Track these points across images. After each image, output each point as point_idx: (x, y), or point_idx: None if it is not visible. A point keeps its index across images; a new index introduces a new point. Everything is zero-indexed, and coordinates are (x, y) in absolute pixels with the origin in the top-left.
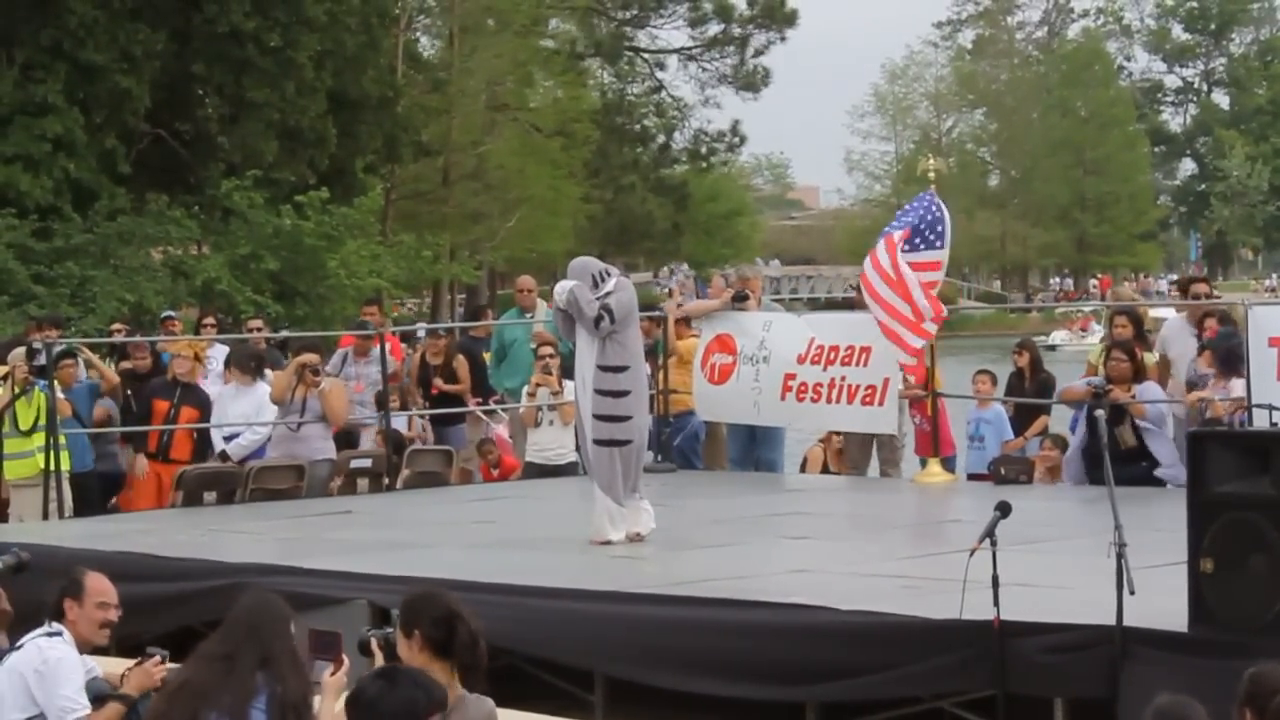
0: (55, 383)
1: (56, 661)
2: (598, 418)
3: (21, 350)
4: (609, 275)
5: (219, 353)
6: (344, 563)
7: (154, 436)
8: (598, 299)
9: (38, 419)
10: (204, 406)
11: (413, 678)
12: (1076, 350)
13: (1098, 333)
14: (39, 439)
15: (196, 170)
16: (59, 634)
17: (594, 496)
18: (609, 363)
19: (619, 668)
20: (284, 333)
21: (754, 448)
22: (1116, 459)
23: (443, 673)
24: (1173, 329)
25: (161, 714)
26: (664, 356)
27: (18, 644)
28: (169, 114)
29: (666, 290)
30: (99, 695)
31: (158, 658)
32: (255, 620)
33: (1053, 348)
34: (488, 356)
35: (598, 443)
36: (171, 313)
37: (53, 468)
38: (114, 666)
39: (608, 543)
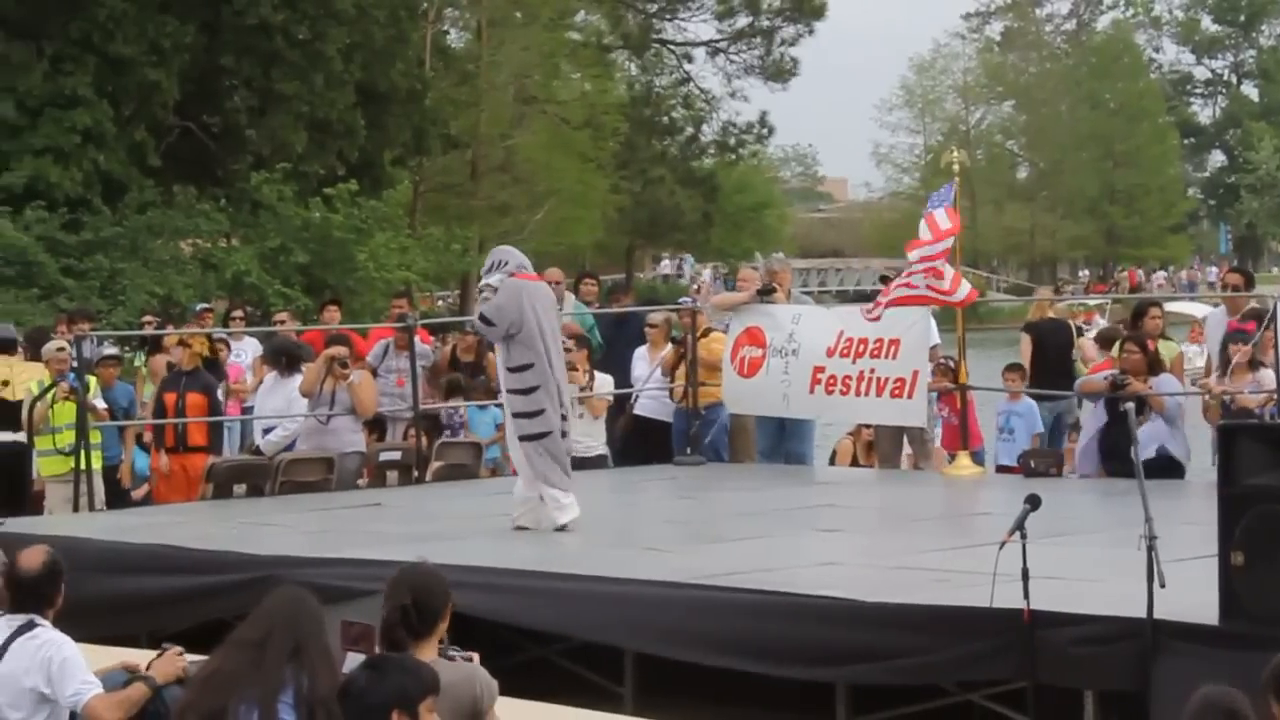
0: (90, 378)
1: (72, 661)
2: (515, 416)
3: (52, 345)
4: (500, 266)
5: (249, 346)
6: (374, 555)
7: (169, 431)
8: (483, 285)
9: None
10: (209, 390)
11: (400, 665)
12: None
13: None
14: (68, 437)
15: (225, 163)
16: (43, 625)
17: (538, 491)
18: (513, 363)
19: (648, 644)
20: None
21: (783, 440)
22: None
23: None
24: (1213, 322)
25: (191, 703)
26: (692, 349)
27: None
28: (198, 106)
29: (695, 286)
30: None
31: (177, 649)
32: (290, 610)
33: None
34: None
35: (521, 439)
36: (205, 305)
37: (83, 463)
38: (141, 658)
39: (564, 528)
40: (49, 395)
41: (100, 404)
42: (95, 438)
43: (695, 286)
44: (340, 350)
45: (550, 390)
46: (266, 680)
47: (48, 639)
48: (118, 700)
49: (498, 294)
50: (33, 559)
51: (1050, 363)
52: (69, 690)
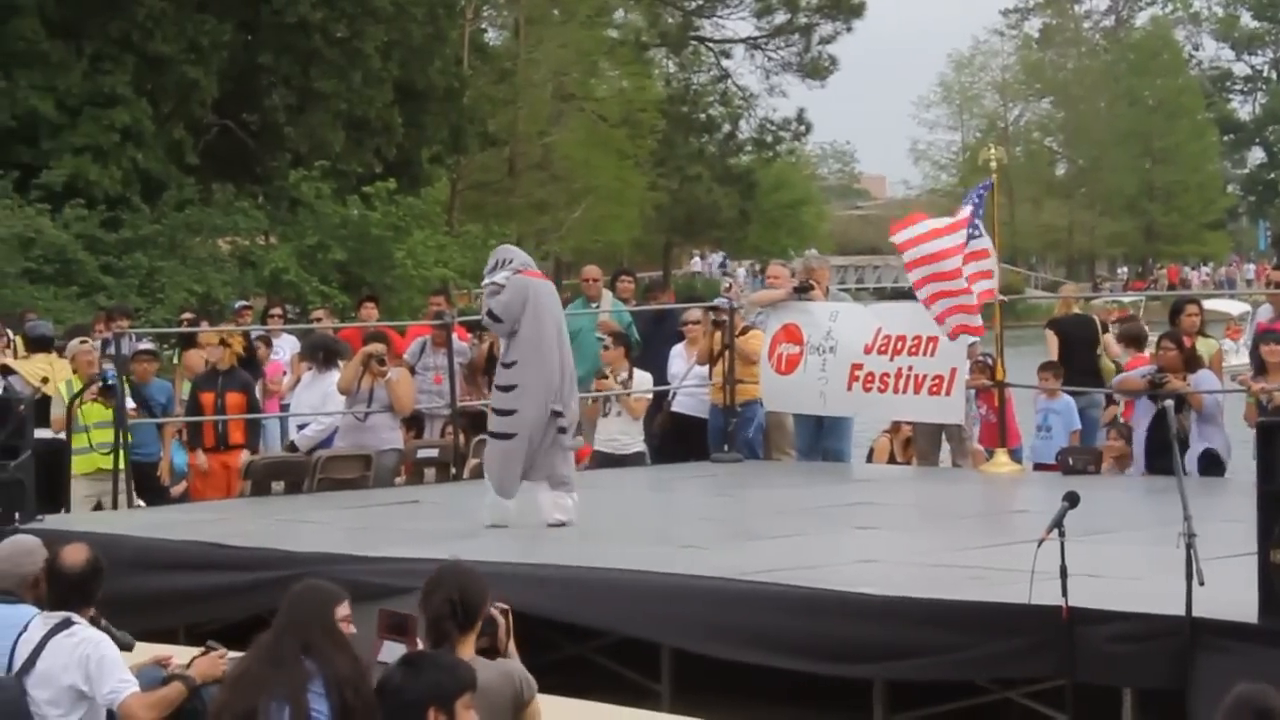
0: (127, 375)
1: (110, 659)
2: (492, 411)
3: (76, 342)
4: (505, 265)
5: (287, 343)
6: (411, 553)
7: (208, 432)
8: (488, 283)
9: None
10: (248, 388)
11: (436, 661)
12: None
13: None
14: (98, 435)
15: (264, 161)
16: (80, 623)
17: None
18: (504, 359)
19: (685, 640)
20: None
21: (821, 438)
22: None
23: (466, 645)
24: (1262, 319)
25: (224, 704)
26: (730, 346)
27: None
28: (236, 105)
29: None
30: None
31: (221, 650)
32: (293, 610)
33: None
34: None
35: (490, 434)
36: (244, 302)
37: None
38: (177, 653)
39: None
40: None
41: (128, 403)
42: (125, 437)
43: (726, 285)
44: (378, 348)
45: (533, 392)
46: (291, 678)
47: (85, 637)
48: (154, 700)
49: (504, 291)
50: (76, 556)
51: (1075, 359)
52: (106, 688)
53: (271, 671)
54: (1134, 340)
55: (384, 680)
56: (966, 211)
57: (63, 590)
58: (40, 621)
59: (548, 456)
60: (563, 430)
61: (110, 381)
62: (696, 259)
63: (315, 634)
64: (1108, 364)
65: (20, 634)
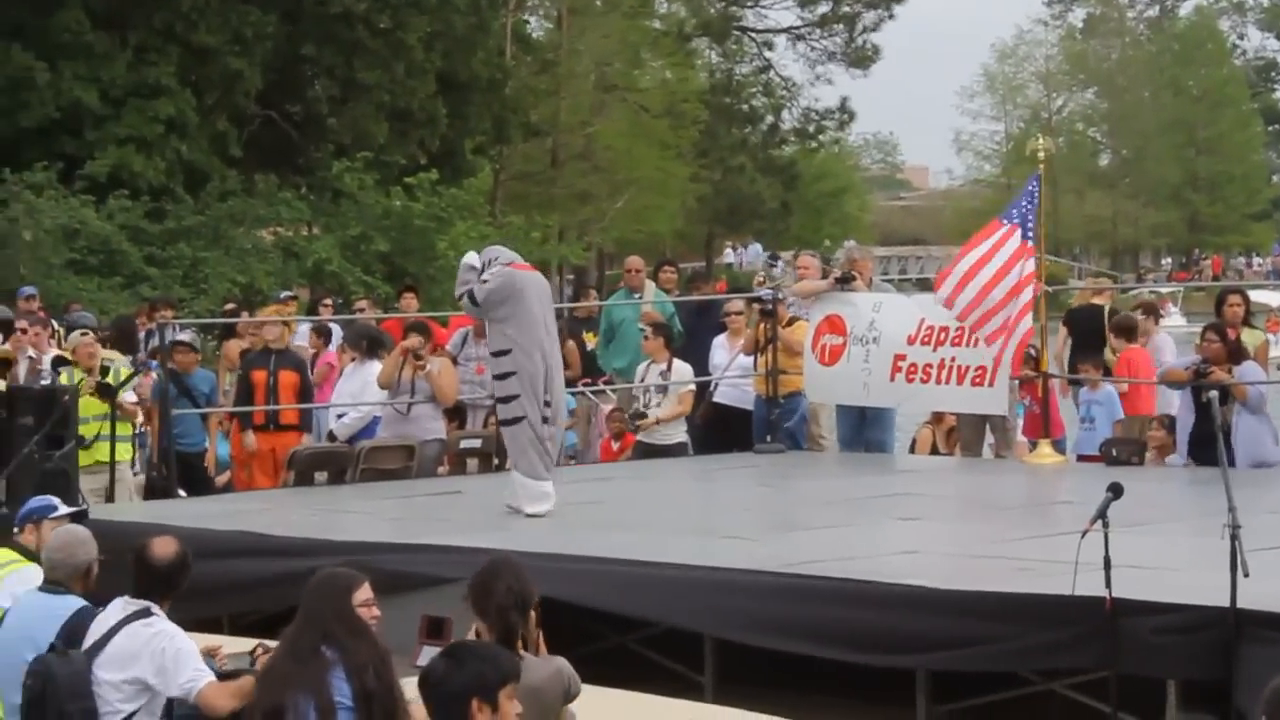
0: (122, 370)
1: (186, 651)
2: (496, 400)
3: (77, 334)
4: (495, 261)
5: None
6: (455, 542)
7: (260, 409)
8: (471, 269)
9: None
10: (300, 367)
11: (479, 653)
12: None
13: (1174, 314)
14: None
15: (307, 151)
16: (159, 614)
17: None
18: (494, 348)
19: (729, 630)
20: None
21: (864, 428)
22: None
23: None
24: None
25: (255, 700)
26: (773, 338)
27: (139, 612)
28: (279, 95)
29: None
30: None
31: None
32: (310, 601)
33: None
34: (590, 337)
35: (500, 423)
36: (288, 292)
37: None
38: (229, 645)
39: (534, 515)
40: (80, 384)
41: (131, 397)
42: (124, 429)
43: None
44: (415, 341)
45: (527, 377)
46: (313, 670)
47: (162, 629)
48: (231, 690)
49: (493, 279)
50: (166, 548)
51: (1083, 349)
52: (183, 678)
53: (294, 665)
54: (1124, 331)
55: (426, 672)
56: (1005, 228)
57: (149, 580)
58: (121, 605)
59: (549, 440)
60: (546, 419)
61: (155, 369)
62: (729, 250)
63: (332, 623)
64: (1109, 355)
65: (71, 617)
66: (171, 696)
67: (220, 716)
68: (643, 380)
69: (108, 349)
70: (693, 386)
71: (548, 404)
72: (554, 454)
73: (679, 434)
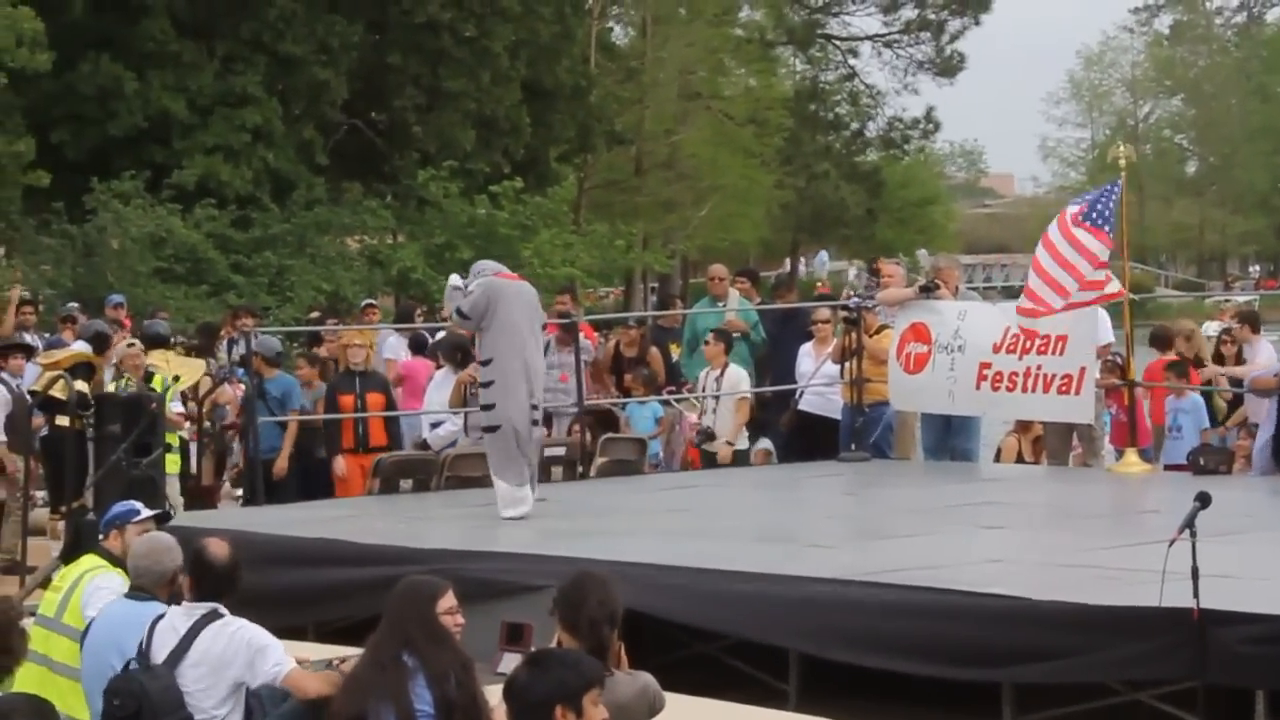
0: (161, 377)
1: (271, 644)
2: (481, 407)
3: (123, 344)
4: (479, 274)
5: (401, 341)
6: (540, 550)
7: (349, 432)
8: (459, 289)
9: None
10: (385, 389)
11: (561, 659)
12: None
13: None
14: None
15: (392, 160)
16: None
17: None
18: (480, 357)
19: (813, 645)
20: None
21: (949, 436)
22: None
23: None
24: None
25: (337, 708)
26: (857, 347)
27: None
28: (365, 104)
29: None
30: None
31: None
32: (394, 609)
33: (1207, 338)
34: (675, 347)
35: (482, 429)
36: (371, 300)
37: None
38: (307, 652)
39: (510, 519)
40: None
41: (176, 407)
42: (170, 439)
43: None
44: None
45: (509, 385)
46: (391, 679)
47: (241, 625)
48: (321, 676)
49: (477, 291)
50: (220, 549)
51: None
52: (270, 664)
53: (376, 673)
54: (1159, 341)
55: (511, 680)
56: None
57: (207, 582)
58: (183, 613)
59: (524, 448)
60: (535, 422)
61: (242, 378)
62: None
63: (414, 631)
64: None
65: (155, 623)
66: (258, 684)
67: (308, 698)
68: (703, 387)
69: (191, 356)
70: (749, 395)
71: (534, 407)
72: (535, 460)
73: (740, 441)
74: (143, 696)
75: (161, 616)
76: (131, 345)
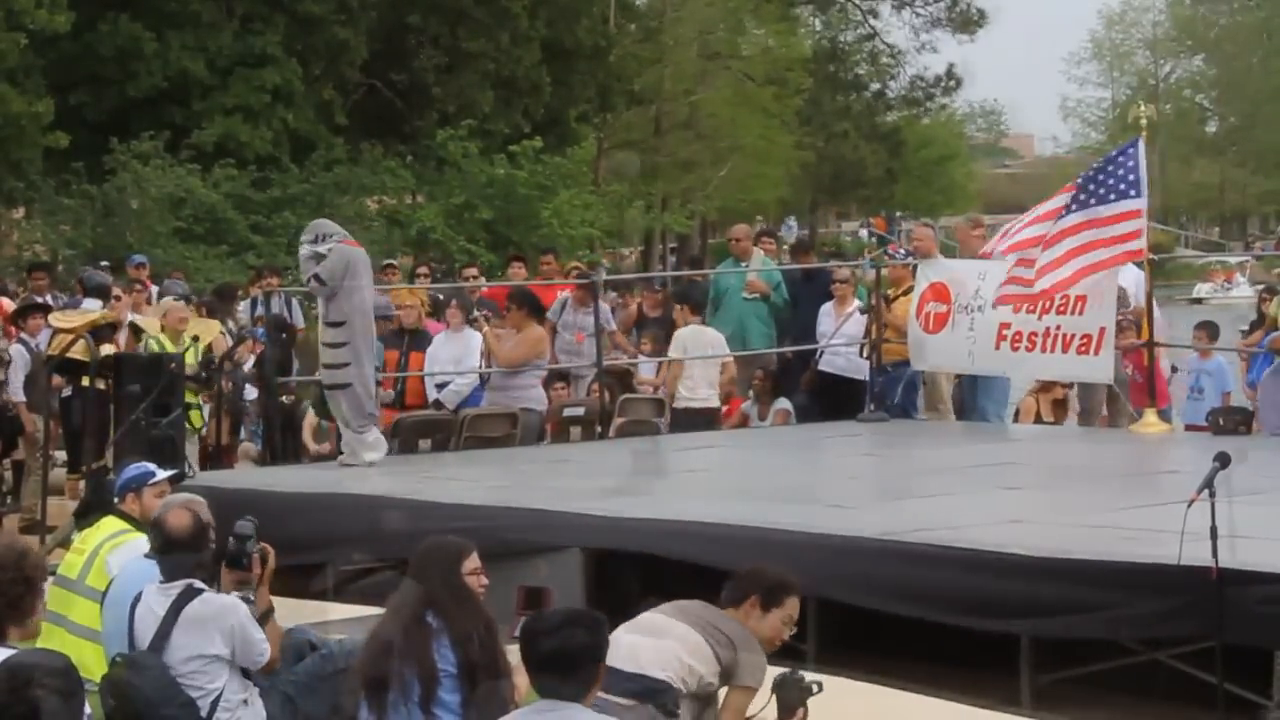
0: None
1: (252, 625)
2: (325, 366)
3: (169, 298)
4: (327, 238)
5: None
6: (561, 507)
7: (388, 386)
8: (311, 253)
9: None
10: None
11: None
12: (1222, 303)
13: (1242, 284)
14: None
15: (411, 120)
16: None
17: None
18: (329, 319)
19: (833, 592)
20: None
21: (975, 397)
22: None
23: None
24: None
25: (360, 665)
26: (875, 307)
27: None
28: (385, 65)
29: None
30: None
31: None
32: (418, 568)
33: (1199, 300)
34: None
35: (327, 388)
36: (389, 260)
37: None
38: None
39: (361, 464)
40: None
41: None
42: (193, 398)
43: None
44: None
45: (358, 347)
46: (413, 638)
47: (222, 603)
48: (272, 639)
49: (329, 258)
50: (181, 518)
51: None
52: (255, 652)
53: (399, 632)
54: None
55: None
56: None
57: (178, 554)
58: (158, 592)
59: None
60: (379, 383)
61: (262, 338)
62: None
63: (439, 590)
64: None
65: (133, 606)
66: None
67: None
68: (684, 349)
69: (205, 316)
70: (727, 353)
71: (377, 368)
72: (378, 410)
73: (714, 399)
74: (138, 698)
75: (139, 598)
76: (179, 300)
